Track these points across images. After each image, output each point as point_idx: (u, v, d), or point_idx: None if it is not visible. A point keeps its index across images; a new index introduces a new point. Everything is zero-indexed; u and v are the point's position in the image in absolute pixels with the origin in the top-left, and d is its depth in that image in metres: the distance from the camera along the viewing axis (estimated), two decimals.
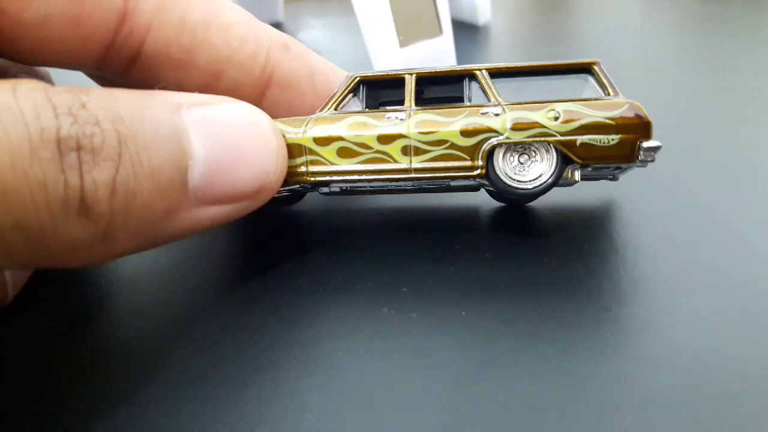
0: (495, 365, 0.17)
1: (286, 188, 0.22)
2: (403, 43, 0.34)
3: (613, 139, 0.19)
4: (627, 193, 0.25)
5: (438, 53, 0.35)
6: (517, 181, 0.20)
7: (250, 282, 0.21)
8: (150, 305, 0.21)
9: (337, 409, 0.16)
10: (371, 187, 0.22)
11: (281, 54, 0.22)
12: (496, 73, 0.21)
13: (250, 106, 0.19)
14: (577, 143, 0.19)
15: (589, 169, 0.21)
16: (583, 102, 0.20)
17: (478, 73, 0.21)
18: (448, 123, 0.20)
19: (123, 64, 0.21)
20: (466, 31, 0.49)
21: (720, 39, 0.44)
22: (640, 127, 0.19)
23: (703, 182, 0.25)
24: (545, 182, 0.20)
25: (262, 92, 0.22)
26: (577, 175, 0.20)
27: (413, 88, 0.21)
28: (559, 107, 0.20)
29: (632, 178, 0.25)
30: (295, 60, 0.23)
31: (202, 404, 0.17)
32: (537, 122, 0.19)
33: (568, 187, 0.23)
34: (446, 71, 0.21)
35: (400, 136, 0.20)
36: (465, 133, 0.20)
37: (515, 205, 0.24)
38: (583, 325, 0.18)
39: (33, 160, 0.14)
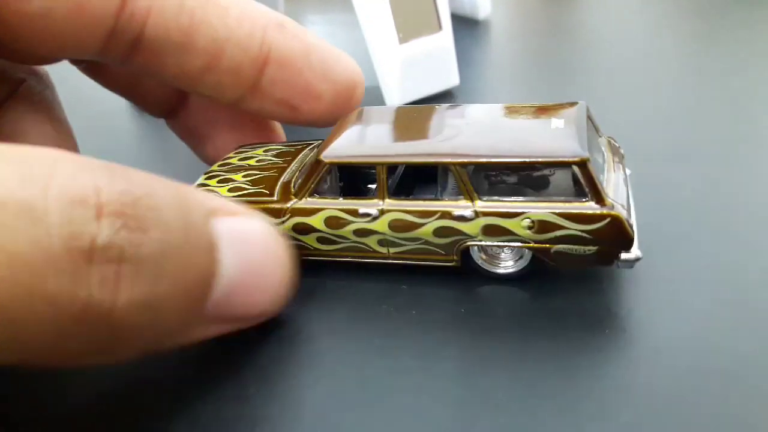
0: (493, 363, 0.17)
1: None
2: (403, 40, 0.34)
3: (589, 250, 0.18)
4: None
5: (437, 49, 0.35)
6: (492, 270, 0.20)
7: None
8: None
9: (337, 406, 0.16)
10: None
11: (277, 33, 0.22)
12: (471, 166, 0.19)
13: (268, 224, 0.17)
14: (552, 251, 0.19)
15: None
16: (560, 210, 0.18)
17: (452, 168, 0.19)
18: (421, 224, 0.19)
19: (125, 50, 0.20)
20: (466, 26, 0.49)
21: (722, 30, 0.44)
22: (621, 242, 0.18)
23: (700, 178, 0.25)
24: (521, 269, 0.20)
25: (260, 70, 0.22)
26: None
27: (385, 180, 0.20)
28: (534, 215, 0.18)
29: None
30: (291, 38, 0.23)
31: (203, 403, 0.17)
32: (510, 230, 0.19)
33: None
34: (420, 162, 0.19)
35: (375, 232, 0.20)
36: (438, 234, 0.19)
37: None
38: (581, 322, 0.18)
39: (47, 273, 0.12)
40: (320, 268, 0.22)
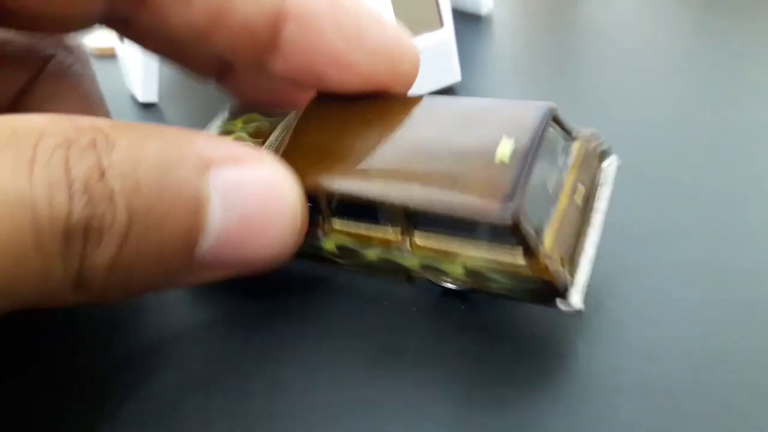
0: (491, 358, 0.17)
1: None
2: None
3: (523, 294, 0.17)
4: (619, 187, 0.25)
5: (439, 45, 0.35)
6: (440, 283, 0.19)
7: (251, 281, 0.22)
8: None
9: (338, 405, 0.17)
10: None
11: None
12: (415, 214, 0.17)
13: (281, 170, 0.17)
14: (488, 289, 0.17)
15: None
16: (491, 259, 0.16)
17: (383, 207, 0.17)
18: (365, 247, 0.18)
19: (130, 6, 0.19)
20: (468, 21, 0.49)
21: (730, 25, 0.43)
22: (554, 293, 0.16)
23: (697, 172, 0.25)
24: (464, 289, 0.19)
25: (277, 28, 0.19)
26: None
27: (326, 206, 0.18)
28: (467, 260, 0.17)
29: (620, 177, 0.25)
30: None
31: (204, 399, 0.17)
32: (444, 270, 0.17)
33: None
34: (366, 200, 0.17)
35: (323, 248, 0.19)
36: (381, 261, 0.18)
37: None
38: (578, 319, 0.18)
39: (35, 256, 0.13)
40: (315, 266, 0.22)
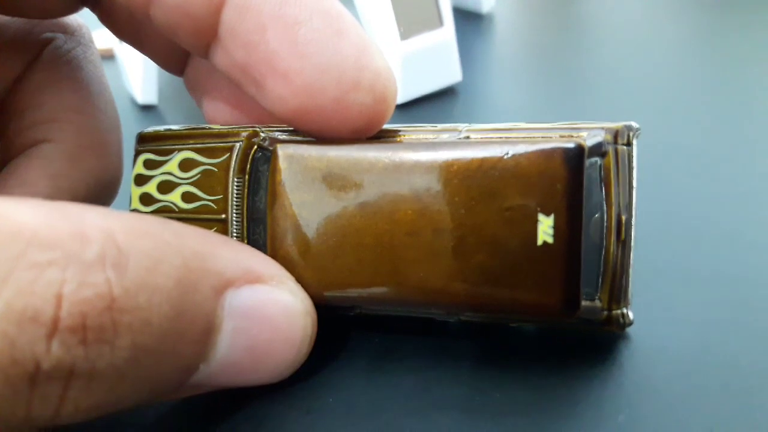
0: (492, 362, 0.17)
1: None
2: (404, 36, 0.34)
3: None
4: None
5: (439, 45, 0.34)
6: None
7: None
8: None
9: (338, 405, 0.17)
10: None
11: None
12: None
13: (301, 294, 0.15)
14: None
15: None
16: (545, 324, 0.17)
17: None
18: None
19: None
20: (469, 20, 0.49)
21: (732, 23, 0.43)
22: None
23: (697, 176, 0.25)
24: None
25: (215, 11, 0.16)
26: None
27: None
28: (522, 324, 0.17)
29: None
30: None
31: (203, 397, 0.17)
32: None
33: None
34: (403, 315, 0.17)
35: None
36: None
37: None
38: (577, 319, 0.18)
39: None
40: None
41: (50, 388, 0.11)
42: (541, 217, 0.14)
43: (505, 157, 0.14)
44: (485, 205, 0.14)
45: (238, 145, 0.18)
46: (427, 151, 0.15)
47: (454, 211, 0.15)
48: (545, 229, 0.14)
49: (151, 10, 0.17)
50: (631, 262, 0.16)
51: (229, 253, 0.14)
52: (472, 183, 0.14)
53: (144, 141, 0.19)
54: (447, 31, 0.35)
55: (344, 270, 0.16)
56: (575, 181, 0.14)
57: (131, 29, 0.22)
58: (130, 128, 0.36)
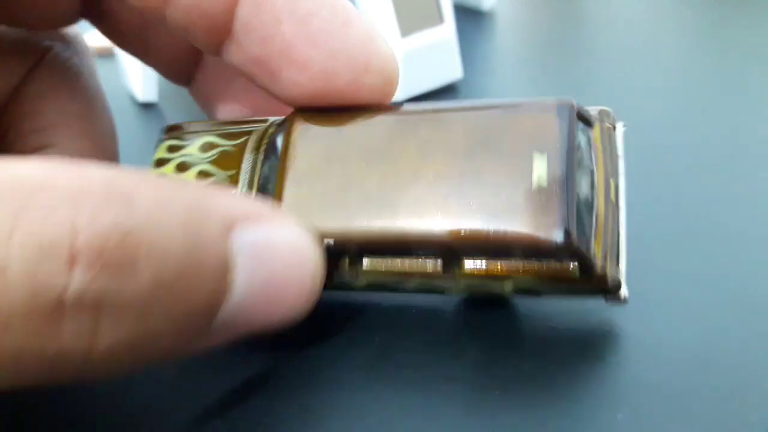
0: (491, 360, 0.17)
1: None
2: (404, 33, 0.33)
3: (576, 296, 0.17)
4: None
5: (440, 42, 0.34)
6: None
7: None
8: None
9: (337, 404, 0.17)
10: None
11: None
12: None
13: (302, 232, 0.15)
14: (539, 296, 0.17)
15: None
16: (544, 274, 0.16)
17: (437, 248, 0.16)
18: (398, 284, 0.18)
19: None
20: (470, 17, 0.48)
21: (737, 19, 0.43)
22: (608, 295, 0.17)
23: (698, 174, 0.25)
24: None
25: (230, 9, 0.17)
26: None
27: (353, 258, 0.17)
28: (518, 281, 0.16)
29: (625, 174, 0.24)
30: None
31: (202, 396, 0.17)
32: (493, 290, 0.17)
33: None
34: (403, 243, 0.17)
35: (351, 286, 0.18)
36: (419, 289, 0.17)
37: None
38: (577, 320, 0.18)
39: (5, 331, 0.11)
40: None
41: (79, 320, 0.11)
42: (536, 157, 0.15)
43: (503, 110, 0.16)
44: (484, 151, 0.16)
45: (259, 126, 0.19)
46: (431, 107, 0.17)
47: (454, 157, 0.16)
48: (540, 171, 0.15)
49: (167, 11, 0.18)
50: (623, 230, 0.17)
51: (229, 198, 0.15)
52: (472, 132, 0.16)
53: (170, 131, 0.21)
54: (448, 28, 0.35)
55: (349, 212, 0.17)
56: (567, 127, 0.16)
57: (137, 39, 0.23)
58: (130, 126, 0.36)
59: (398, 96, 0.34)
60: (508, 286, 0.17)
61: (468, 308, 0.19)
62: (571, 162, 0.15)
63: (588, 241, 0.16)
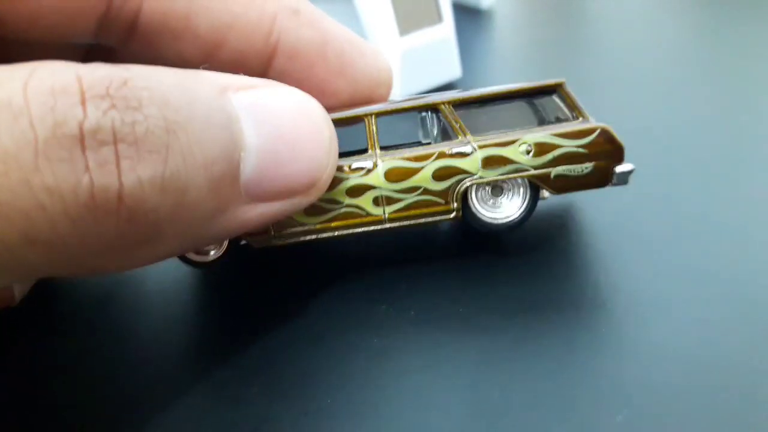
0: (490, 362, 0.17)
1: (223, 251, 0.21)
2: (403, 31, 0.33)
3: (586, 168, 0.19)
4: (619, 189, 0.24)
5: (438, 41, 0.34)
6: (493, 217, 0.20)
7: (254, 286, 0.22)
8: (154, 300, 0.21)
9: (336, 406, 0.16)
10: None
11: (289, 21, 0.20)
12: (460, 104, 0.20)
13: (301, 92, 0.17)
14: (551, 176, 0.19)
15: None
16: (553, 131, 0.19)
17: (442, 107, 0.20)
18: (418, 168, 0.19)
19: (120, 35, 0.20)
20: (468, 15, 0.48)
21: (734, 19, 0.43)
22: (614, 153, 0.19)
23: (696, 177, 0.25)
24: (521, 215, 0.20)
25: (267, 63, 0.21)
26: (546, 193, 0.21)
27: (375, 131, 0.20)
28: (531, 140, 0.19)
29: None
30: (305, 26, 0.21)
31: (203, 398, 0.17)
32: (510, 159, 0.19)
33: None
34: (408, 107, 0.20)
35: (370, 187, 0.19)
36: (437, 178, 0.19)
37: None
38: (577, 321, 0.18)
39: (39, 164, 0.12)
40: (314, 268, 0.22)
41: (102, 152, 0.12)
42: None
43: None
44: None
45: None
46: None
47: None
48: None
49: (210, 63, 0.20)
50: None
51: (218, 72, 0.16)
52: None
53: None
54: (446, 27, 0.34)
55: None
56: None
57: None
58: None
59: (398, 96, 0.34)
60: (522, 150, 0.19)
61: (468, 308, 0.19)
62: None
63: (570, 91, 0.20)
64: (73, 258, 0.13)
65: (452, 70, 0.36)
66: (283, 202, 0.16)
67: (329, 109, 0.20)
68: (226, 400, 0.17)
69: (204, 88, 0.15)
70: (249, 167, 0.15)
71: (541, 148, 0.19)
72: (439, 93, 0.20)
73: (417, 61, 0.34)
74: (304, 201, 0.17)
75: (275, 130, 0.16)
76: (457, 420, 0.16)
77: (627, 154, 0.21)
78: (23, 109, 0.12)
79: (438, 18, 0.34)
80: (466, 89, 0.21)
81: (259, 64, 0.21)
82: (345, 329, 0.19)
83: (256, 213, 0.16)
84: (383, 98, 0.22)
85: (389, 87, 0.22)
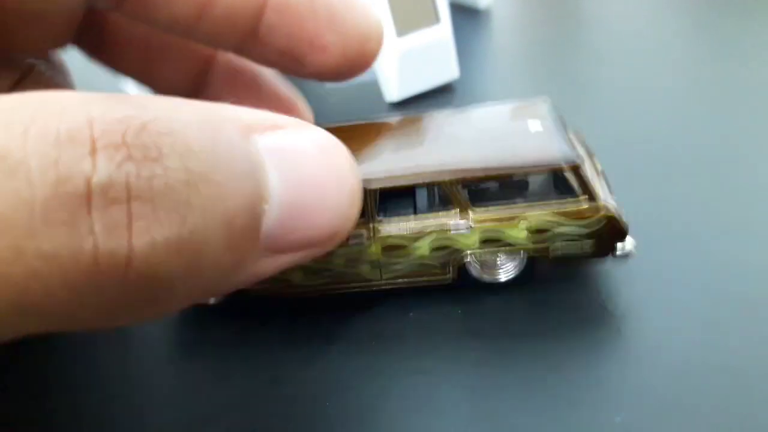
0: (488, 366, 0.17)
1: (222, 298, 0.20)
2: (401, 33, 0.33)
3: (586, 245, 0.19)
4: (618, 190, 0.24)
5: (436, 41, 0.34)
6: (493, 279, 0.20)
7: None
8: None
9: (335, 407, 0.16)
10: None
11: None
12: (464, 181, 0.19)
13: (327, 134, 0.15)
14: (549, 251, 0.19)
15: None
16: (555, 209, 0.18)
17: (446, 184, 0.18)
18: (416, 240, 0.19)
19: (114, 2, 0.19)
20: (466, 16, 0.48)
21: (728, 18, 0.43)
22: (616, 234, 0.18)
23: (696, 174, 0.25)
24: (517, 275, 0.20)
25: (257, 17, 0.20)
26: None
27: (374, 205, 0.19)
28: (532, 219, 0.18)
29: (622, 174, 0.24)
30: None
31: (206, 398, 0.17)
32: (508, 238, 0.19)
33: None
34: (409, 185, 0.19)
35: (368, 257, 0.19)
36: (435, 250, 0.19)
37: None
38: (576, 323, 0.18)
39: (35, 228, 0.10)
40: None
41: (111, 212, 0.11)
42: (529, 120, 0.20)
43: (501, 103, 0.22)
44: (488, 126, 0.21)
45: None
46: (443, 113, 0.22)
47: (466, 132, 0.20)
48: (535, 125, 0.20)
49: (198, 25, 0.20)
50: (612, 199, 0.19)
51: (240, 108, 0.14)
52: (478, 121, 0.21)
53: None
54: (444, 28, 0.34)
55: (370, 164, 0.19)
56: (550, 108, 0.21)
57: (140, 64, 0.24)
58: None
59: (395, 97, 0.34)
60: (521, 230, 0.19)
61: (468, 312, 0.19)
62: (559, 124, 0.20)
63: (586, 171, 0.19)
64: (72, 321, 0.12)
65: (450, 70, 0.36)
66: (299, 253, 0.15)
67: (322, 64, 0.21)
68: (222, 404, 0.17)
69: (227, 129, 0.13)
70: (271, 219, 0.14)
71: (541, 227, 0.18)
72: (441, 164, 0.19)
73: (415, 62, 0.34)
74: (319, 252, 0.16)
75: (301, 179, 0.14)
76: (457, 422, 0.16)
77: (627, 154, 0.21)
78: (21, 163, 0.10)
79: (435, 19, 0.34)
80: (463, 108, 0.22)
81: (249, 20, 0.20)
82: (342, 332, 0.19)
83: (273, 266, 0.15)
84: (375, 52, 0.22)
85: (380, 41, 0.22)
